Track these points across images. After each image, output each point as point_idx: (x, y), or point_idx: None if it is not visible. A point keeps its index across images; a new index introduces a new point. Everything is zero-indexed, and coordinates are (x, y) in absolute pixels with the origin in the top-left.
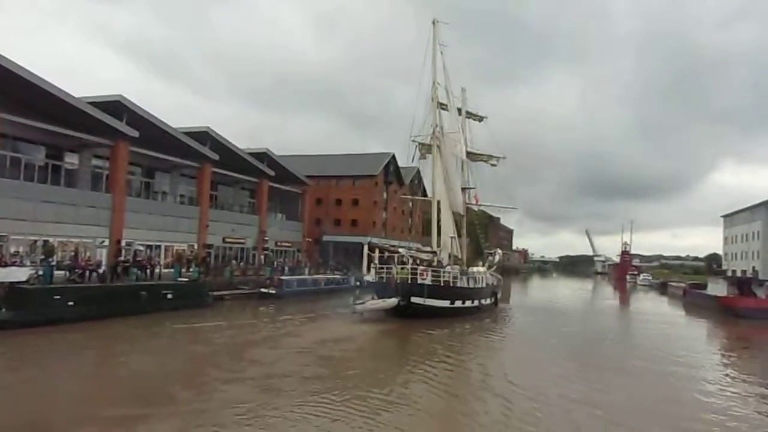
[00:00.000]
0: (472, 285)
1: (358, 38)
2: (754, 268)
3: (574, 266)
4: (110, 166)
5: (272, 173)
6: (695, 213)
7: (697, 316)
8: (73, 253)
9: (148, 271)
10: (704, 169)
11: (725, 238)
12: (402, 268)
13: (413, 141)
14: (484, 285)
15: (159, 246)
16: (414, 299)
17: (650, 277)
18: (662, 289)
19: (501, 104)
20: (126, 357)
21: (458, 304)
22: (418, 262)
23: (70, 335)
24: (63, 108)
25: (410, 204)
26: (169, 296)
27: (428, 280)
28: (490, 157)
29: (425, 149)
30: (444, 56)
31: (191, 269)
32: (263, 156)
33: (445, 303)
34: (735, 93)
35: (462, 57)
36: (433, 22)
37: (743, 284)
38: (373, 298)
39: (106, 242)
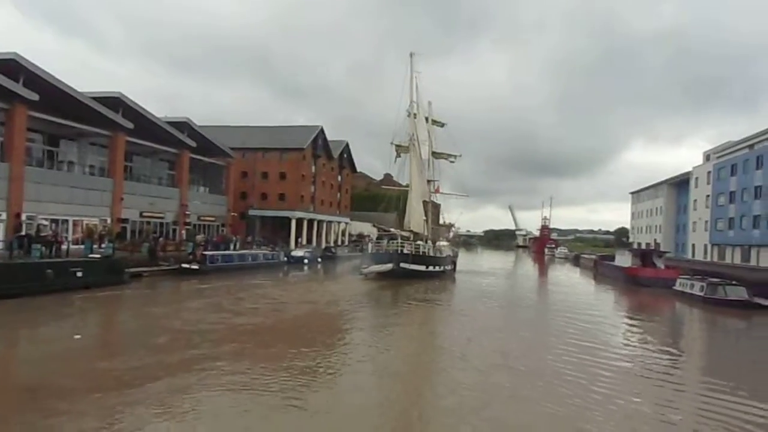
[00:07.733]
0: (438, 255)
1: (287, 4)
2: (656, 240)
3: (497, 240)
4: (5, 133)
5: (194, 144)
6: (609, 189)
7: (604, 284)
8: None
9: (54, 247)
10: (618, 148)
11: (632, 213)
12: (392, 242)
13: (392, 144)
14: (446, 255)
15: (66, 220)
16: (402, 264)
17: (566, 250)
18: (576, 261)
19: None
20: (23, 337)
21: (430, 268)
22: (401, 238)
23: None
24: None
25: (339, 178)
26: (79, 274)
27: (411, 251)
28: (450, 155)
29: (402, 150)
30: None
31: (104, 245)
32: (183, 125)
33: (422, 267)
34: (649, 75)
35: (394, 26)
36: (411, 55)
37: (645, 256)
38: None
39: (3, 216)
